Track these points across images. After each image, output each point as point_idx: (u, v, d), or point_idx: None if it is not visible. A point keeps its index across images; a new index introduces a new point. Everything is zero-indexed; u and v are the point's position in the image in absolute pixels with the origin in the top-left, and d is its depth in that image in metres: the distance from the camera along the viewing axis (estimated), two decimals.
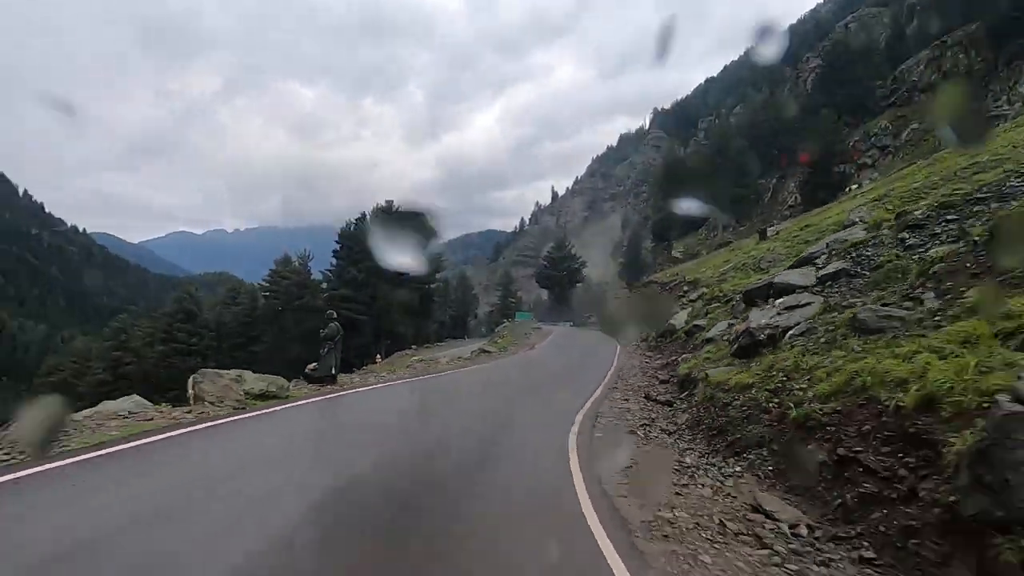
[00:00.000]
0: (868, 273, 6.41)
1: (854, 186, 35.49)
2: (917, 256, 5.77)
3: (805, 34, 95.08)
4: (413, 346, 37.11)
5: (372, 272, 37.20)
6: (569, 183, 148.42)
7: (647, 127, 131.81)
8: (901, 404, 3.61)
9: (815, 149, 46.44)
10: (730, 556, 3.49)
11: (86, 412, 5.84)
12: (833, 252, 7.77)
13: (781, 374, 5.33)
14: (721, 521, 4.00)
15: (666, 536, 3.73)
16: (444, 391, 11.20)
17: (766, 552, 3.54)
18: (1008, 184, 6.78)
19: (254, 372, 8.19)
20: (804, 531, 3.69)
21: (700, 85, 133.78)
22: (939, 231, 6.23)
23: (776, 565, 3.39)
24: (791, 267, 8.89)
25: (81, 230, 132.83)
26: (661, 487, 4.75)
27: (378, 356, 30.46)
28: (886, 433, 3.63)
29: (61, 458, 4.36)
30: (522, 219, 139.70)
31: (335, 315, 10.43)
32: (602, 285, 75.66)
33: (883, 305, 4.97)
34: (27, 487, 3.71)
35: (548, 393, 10.61)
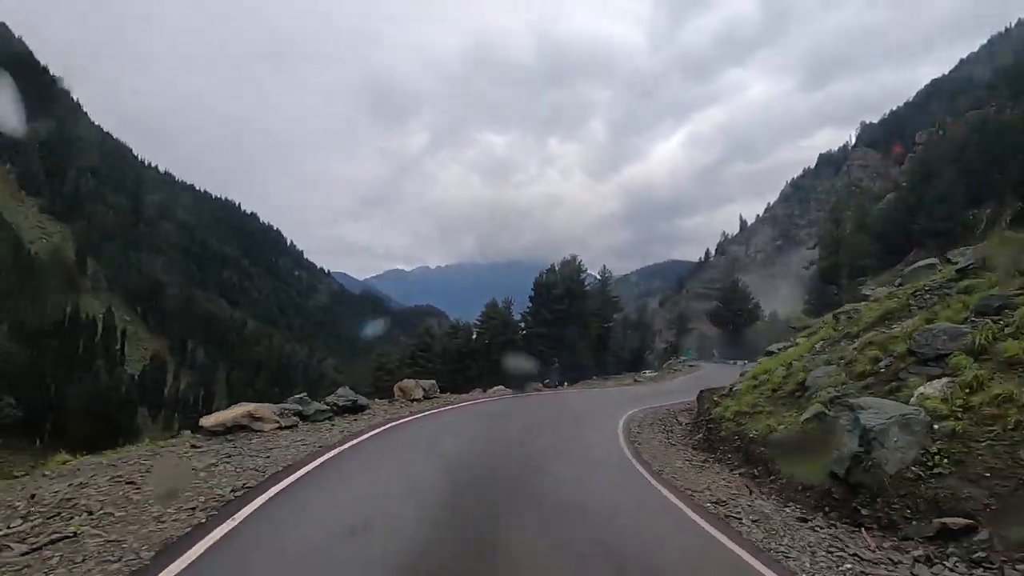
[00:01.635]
0: None
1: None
2: None
3: None
4: (594, 376, 47.99)
5: (560, 314, 49.39)
6: (761, 208, 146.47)
7: (852, 143, 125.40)
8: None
9: None
10: (656, 435, 13.72)
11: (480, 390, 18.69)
12: None
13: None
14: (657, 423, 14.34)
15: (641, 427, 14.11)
16: (604, 395, 22.80)
17: (666, 436, 13.61)
18: None
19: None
20: (682, 425, 13.63)
21: (922, 89, 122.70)
22: None
23: (668, 444, 13.38)
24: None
25: (327, 271, 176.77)
26: (653, 427, 14.99)
27: (565, 383, 42.16)
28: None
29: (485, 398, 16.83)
30: (707, 250, 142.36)
31: (556, 359, 22.85)
32: (789, 321, 77.34)
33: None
34: (457, 411, 15.94)
35: (649, 400, 20.49)
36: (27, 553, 3.73)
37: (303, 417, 10.25)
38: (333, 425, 10.49)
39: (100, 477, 5.66)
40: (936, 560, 4.41)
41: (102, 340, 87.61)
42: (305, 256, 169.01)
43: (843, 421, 6.04)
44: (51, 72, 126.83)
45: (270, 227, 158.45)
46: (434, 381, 17.32)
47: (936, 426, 5.47)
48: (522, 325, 53.64)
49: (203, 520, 4.90)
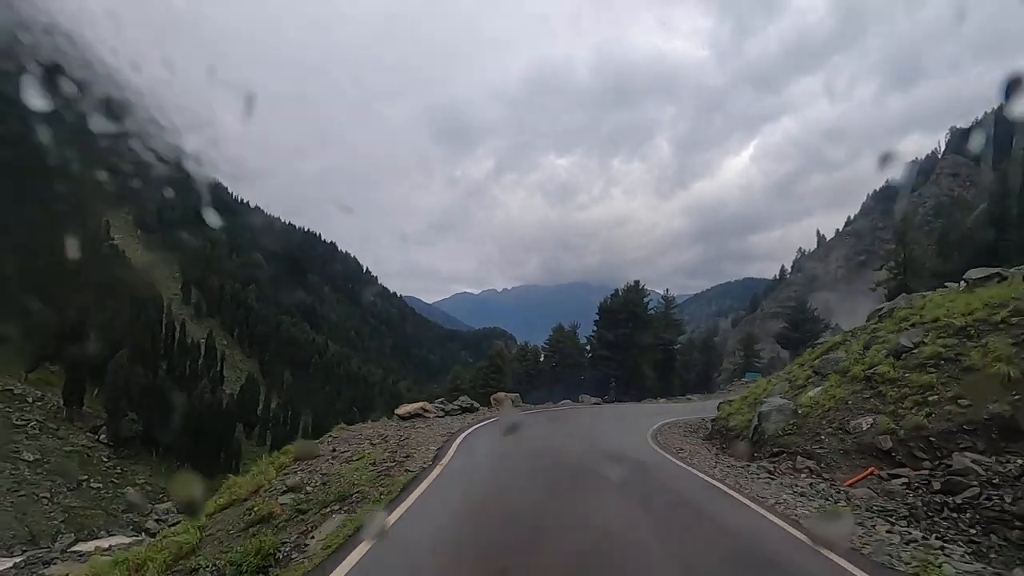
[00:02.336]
0: None
1: None
2: None
3: None
4: (659, 398, 52.24)
5: (624, 337, 54.16)
6: (841, 222, 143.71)
7: (941, 151, 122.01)
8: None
9: None
10: (675, 431, 18.81)
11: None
12: None
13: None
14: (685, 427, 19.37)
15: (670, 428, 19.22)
16: (652, 407, 28.20)
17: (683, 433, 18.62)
18: None
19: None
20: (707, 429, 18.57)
21: None
22: None
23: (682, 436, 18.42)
24: None
25: (399, 296, 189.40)
26: (678, 428, 20.01)
27: (627, 399, 46.86)
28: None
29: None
30: (782, 267, 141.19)
31: (613, 381, 28.22)
32: None
33: None
34: (540, 413, 21.80)
35: (687, 413, 24.87)
36: (398, 442, 9.98)
37: (445, 412, 16.63)
38: (465, 417, 16.86)
39: (378, 429, 12.14)
40: (757, 461, 9.63)
41: (205, 362, 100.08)
42: (379, 282, 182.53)
43: (756, 410, 11.17)
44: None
45: (347, 255, 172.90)
46: (519, 394, 23.70)
47: (799, 411, 10.50)
48: (588, 348, 58.81)
49: (445, 439, 12.48)
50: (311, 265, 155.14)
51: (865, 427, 9.12)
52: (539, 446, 12.88)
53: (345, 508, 7.37)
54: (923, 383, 9.48)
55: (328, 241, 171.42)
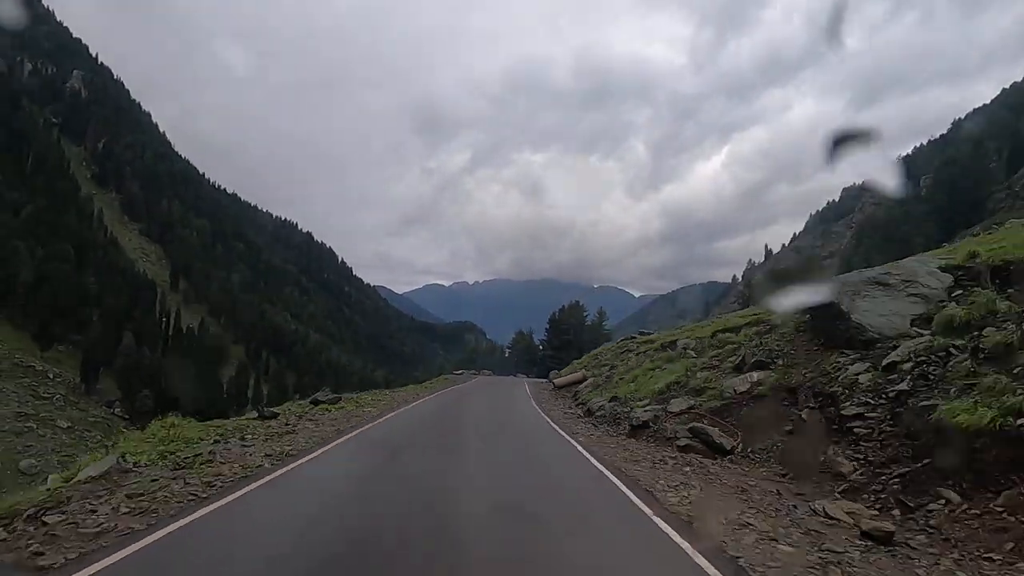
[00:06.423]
0: None
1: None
2: None
3: None
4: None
5: (565, 343, 76.41)
6: (792, 232, 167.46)
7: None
8: None
9: None
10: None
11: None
12: None
13: None
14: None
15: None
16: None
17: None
18: None
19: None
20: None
21: (958, 119, 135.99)
22: None
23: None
24: None
25: (371, 286, 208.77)
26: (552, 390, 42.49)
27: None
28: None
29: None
30: (734, 276, 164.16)
31: (535, 366, 50.20)
32: None
33: None
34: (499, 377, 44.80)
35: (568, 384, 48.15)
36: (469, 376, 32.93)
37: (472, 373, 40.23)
38: (477, 375, 40.48)
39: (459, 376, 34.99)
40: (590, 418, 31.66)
41: (198, 347, 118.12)
42: (354, 272, 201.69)
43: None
44: (143, 108, 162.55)
45: (323, 245, 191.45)
46: (492, 371, 47.11)
47: (560, 374, 32.65)
48: (540, 348, 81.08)
49: (479, 377, 51.81)
50: (290, 255, 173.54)
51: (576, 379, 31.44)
52: (495, 378, 48.44)
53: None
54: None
55: (305, 231, 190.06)
